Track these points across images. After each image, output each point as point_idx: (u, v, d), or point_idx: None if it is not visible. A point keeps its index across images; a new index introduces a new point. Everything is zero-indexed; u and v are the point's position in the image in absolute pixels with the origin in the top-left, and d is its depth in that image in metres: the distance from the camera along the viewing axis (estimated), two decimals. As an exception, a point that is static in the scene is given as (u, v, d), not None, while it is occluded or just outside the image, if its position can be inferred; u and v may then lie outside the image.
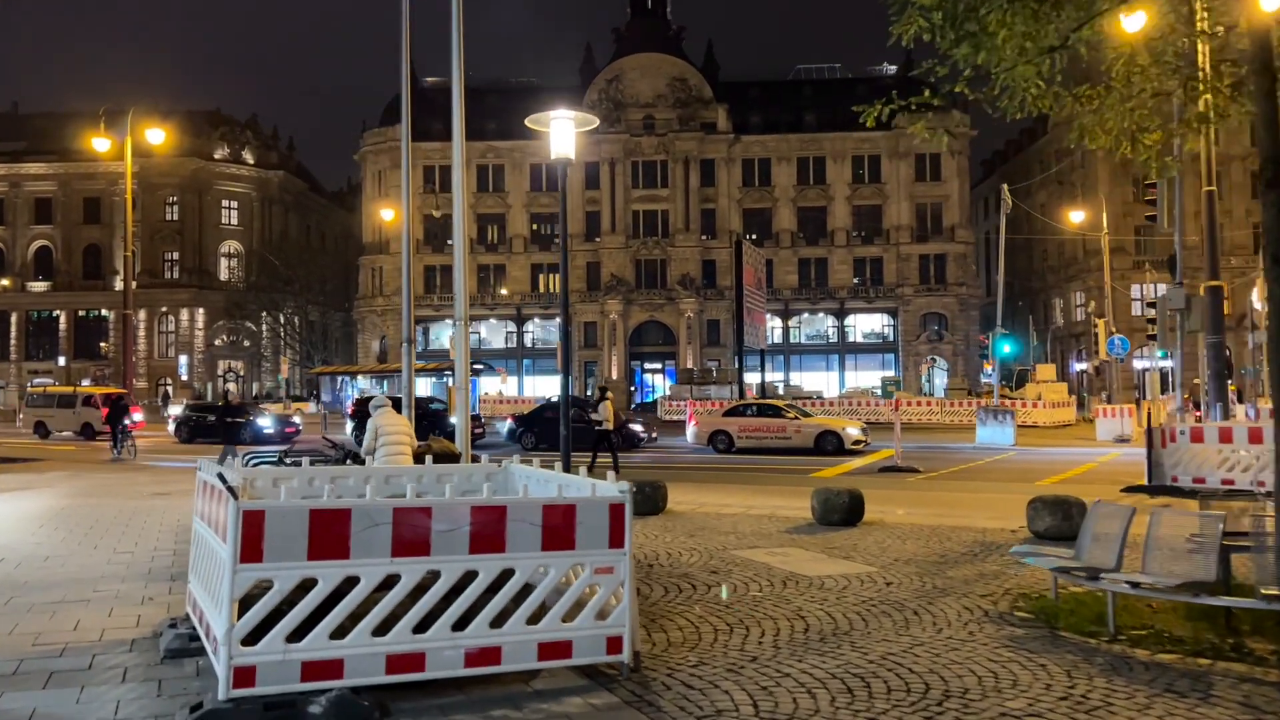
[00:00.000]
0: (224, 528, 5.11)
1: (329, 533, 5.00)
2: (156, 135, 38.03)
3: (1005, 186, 32.89)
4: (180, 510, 13.85)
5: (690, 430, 27.76)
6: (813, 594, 8.01)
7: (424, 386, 52.29)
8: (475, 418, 29.41)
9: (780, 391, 56.79)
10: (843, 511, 11.69)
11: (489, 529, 5.32)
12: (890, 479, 19.33)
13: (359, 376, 60.39)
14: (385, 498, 5.43)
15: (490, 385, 58.80)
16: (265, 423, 33.62)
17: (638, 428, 28.76)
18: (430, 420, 31.22)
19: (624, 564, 5.61)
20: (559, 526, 5.47)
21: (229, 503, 4.91)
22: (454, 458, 10.82)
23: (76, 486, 17.66)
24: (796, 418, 26.17)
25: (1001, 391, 52.12)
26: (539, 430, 30.05)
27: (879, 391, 55.59)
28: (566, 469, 9.29)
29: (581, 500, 5.60)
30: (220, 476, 5.07)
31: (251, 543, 4.85)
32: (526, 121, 10.33)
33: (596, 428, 20.46)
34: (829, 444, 25.19)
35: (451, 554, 5.23)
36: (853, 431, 25.57)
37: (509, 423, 30.88)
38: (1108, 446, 27.37)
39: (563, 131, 9.71)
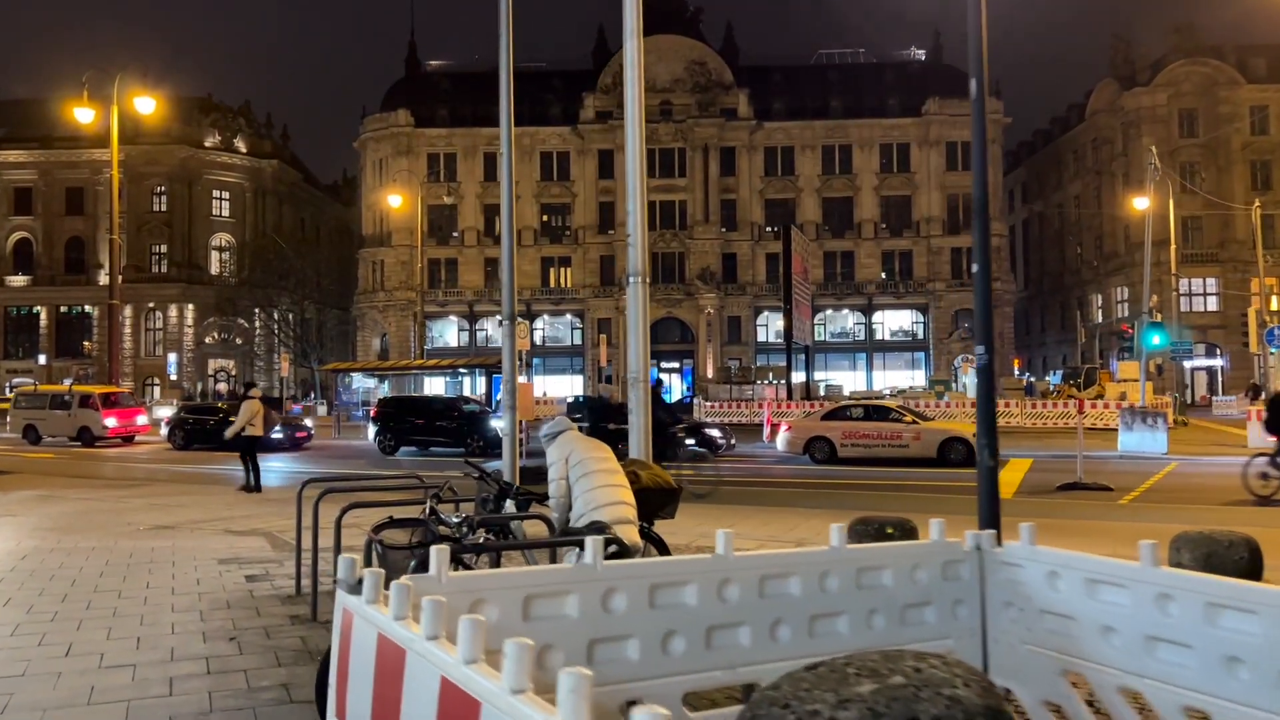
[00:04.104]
0: None
1: None
2: (146, 104, 33.83)
3: (1153, 148, 28.91)
4: (197, 558, 9.64)
5: (782, 436, 23.51)
6: None
7: (437, 386, 48.21)
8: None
9: (823, 391, 52.75)
10: (1238, 575, 7.52)
11: None
12: (1086, 501, 15.26)
13: (357, 374, 55.99)
14: None
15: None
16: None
17: (715, 432, 24.57)
18: (468, 423, 27.07)
19: None
20: None
21: None
22: (671, 496, 6.70)
23: (49, 515, 13.38)
24: (914, 421, 22.01)
25: (1066, 390, 48.25)
26: (585, 433, 26.01)
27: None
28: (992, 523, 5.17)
29: None
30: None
31: None
32: None
33: (235, 433, 16.56)
34: (955, 453, 21.00)
35: None
36: (984, 438, 21.41)
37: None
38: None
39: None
